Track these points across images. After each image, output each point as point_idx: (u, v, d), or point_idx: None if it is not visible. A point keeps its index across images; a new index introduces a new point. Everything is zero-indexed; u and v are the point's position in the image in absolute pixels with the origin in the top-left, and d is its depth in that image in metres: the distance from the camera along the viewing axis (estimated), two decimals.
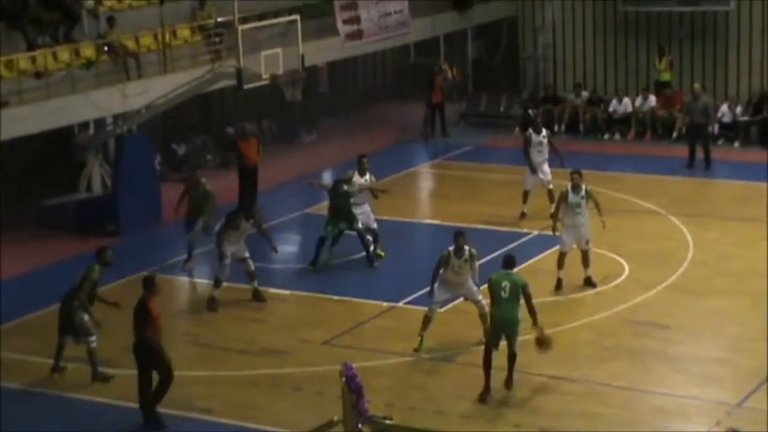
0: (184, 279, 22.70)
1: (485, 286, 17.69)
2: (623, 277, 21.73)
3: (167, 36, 27.39)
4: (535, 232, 24.08)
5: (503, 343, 16.91)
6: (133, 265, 22.17)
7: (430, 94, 33.98)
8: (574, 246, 21.09)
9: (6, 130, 23.19)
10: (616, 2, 34.68)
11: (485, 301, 18.03)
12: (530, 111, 33.94)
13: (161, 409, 16.58)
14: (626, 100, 33.46)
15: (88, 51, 25.93)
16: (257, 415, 16.66)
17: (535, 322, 17.13)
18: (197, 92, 26.82)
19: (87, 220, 25.43)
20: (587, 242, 21.05)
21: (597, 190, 22.05)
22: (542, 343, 17.25)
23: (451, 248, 18.24)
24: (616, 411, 16.45)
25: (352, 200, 22.51)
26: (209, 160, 31.52)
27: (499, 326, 16.92)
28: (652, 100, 33.15)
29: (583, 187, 20.95)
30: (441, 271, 18.31)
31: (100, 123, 26.86)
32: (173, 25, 28.16)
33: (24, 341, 19.72)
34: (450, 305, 19.53)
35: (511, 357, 16.94)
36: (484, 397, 16.77)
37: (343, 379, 14.35)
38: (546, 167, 25.09)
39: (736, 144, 31.71)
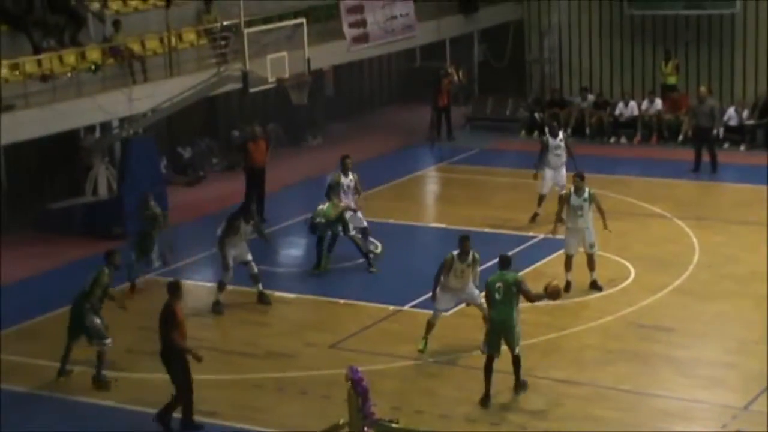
0: (189, 283, 22.64)
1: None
2: (629, 280, 21.71)
3: (173, 39, 27.39)
4: (541, 236, 24.05)
5: (505, 348, 16.86)
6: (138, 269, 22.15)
7: (436, 97, 33.99)
8: (580, 249, 21.08)
9: (12, 133, 23.21)
10: (622, 5, 34.65)
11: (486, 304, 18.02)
12: (536, 114, 34.08)
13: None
14: (632, 104, 33.43)
15: (94, 54, 25.95)
16: (263, 418, 16.65)
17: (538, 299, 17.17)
18: (203, 95, 26.86)
19: (93, 223, 25.46)
20: (591, 246, 21.03)
21: (603, 194, 22.06)
22: (552, 292, 17.10)
23: (455, 252, 18.23)
24: (622, 414, 16.43)
25: (347, 215, 22.59)
26: (215, 164, 31.58)
27: (496, 328, 16.83)
28: (659, 103, 33.13)
29: (586, 189, 20.92)
30: (443, 276, 18.29)
31: (105, 126, 26.93)
32: (179, 29, 28.17)
33: (30, 345, 19.70)
34: (455, 309, 19.51)
35: (516, 361, 16.88)
36: (484, 402, 16.75)
37: (349, 382, 14.36)
38: (564, 171, 25.00)
39: (742, 147, 31.70)
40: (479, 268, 18.53)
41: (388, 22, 32.03)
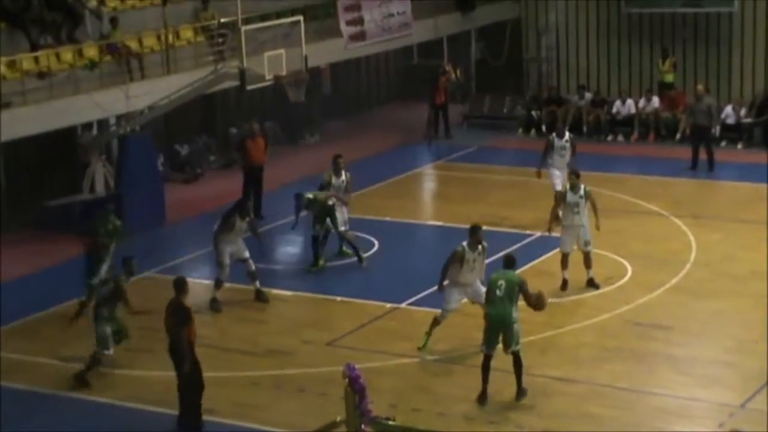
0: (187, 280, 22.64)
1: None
2: (626, 278, 21.72)
3: (170, 37, 27.40)
4: (538, 234, 24.04)
5: (500, 347, 16.85)
6: None
7: (433, 95, 33.99)
8: (575, 247, 21.08)
9: (9, 130, 23.19)
10: (619, 4, 34.65)
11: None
12: (533, 112, 34.09)
13: (163, 411, 16.60)
14: (629, 102, 33.45)
15: (91, 51, 25.96)
16: (260, 416, 16.67)
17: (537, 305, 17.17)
18: (200, 93, 26.83)
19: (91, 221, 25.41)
20: (586, 243, 21.00)
21: (600, 192, 22.04)
22: (536, 300, 17.09)
23: (465, 243, 18.09)
24: (619, 412, 16.44)
25: (330, 203, 22.61)
26: (212, 161, 31.58)
27: (494, 324, 16.74)
28: (656, 101, 33.14)
29: (582, 186, 20.90)
30: (452, 269, 18.11)
31: (103, 123, 26.91)
32: (176, 26, 28.18)
33: (29, 342, 19.68)
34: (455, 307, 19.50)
35: (516, 362, 16.76)
36: (481, 400, 16.75)
37: (347, 380, 14.35)
38: (566, 172, 24.89)
39: (740, 146, 31.70)
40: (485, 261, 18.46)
41: (385, 20, 31.99)
